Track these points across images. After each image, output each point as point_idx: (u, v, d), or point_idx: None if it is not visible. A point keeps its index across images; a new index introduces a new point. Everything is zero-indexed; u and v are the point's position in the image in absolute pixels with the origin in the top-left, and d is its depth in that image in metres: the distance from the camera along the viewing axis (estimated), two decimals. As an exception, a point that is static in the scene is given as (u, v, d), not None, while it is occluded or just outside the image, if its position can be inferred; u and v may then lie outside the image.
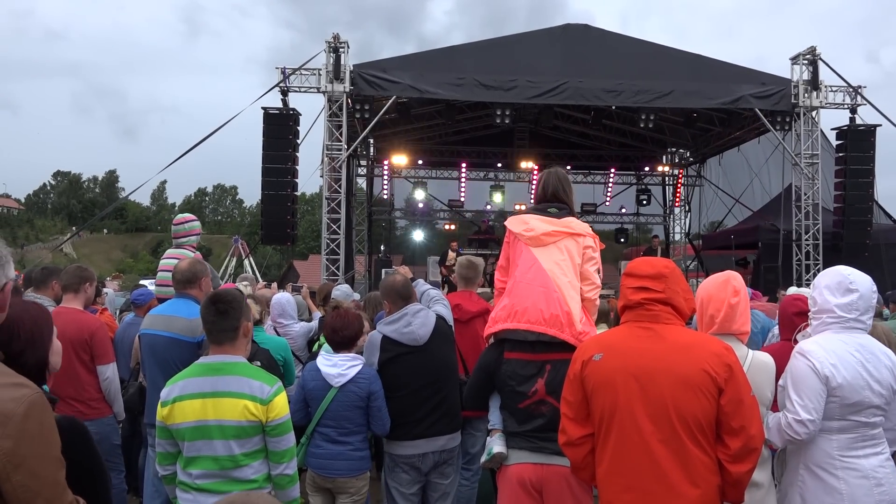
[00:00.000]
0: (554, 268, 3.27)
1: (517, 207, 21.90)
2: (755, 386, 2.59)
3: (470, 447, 4.91)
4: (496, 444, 3.38)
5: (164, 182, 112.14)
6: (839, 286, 2.89)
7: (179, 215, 5.31)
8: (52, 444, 1.74)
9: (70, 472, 1.83)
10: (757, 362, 2.84)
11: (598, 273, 3.44)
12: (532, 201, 20.09)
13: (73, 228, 75.05)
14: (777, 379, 2.94)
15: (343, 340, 4.00)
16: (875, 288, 2.94)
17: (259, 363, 3.47)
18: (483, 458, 3.48)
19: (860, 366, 2.79)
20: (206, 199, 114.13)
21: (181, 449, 2.90)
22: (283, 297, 5.72)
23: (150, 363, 4.27)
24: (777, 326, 5.49)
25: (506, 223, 3.59)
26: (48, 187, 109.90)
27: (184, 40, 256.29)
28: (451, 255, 16.32)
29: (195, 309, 4.27)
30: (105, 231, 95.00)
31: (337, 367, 3.93)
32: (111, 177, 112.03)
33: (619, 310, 2.65)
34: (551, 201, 3.57)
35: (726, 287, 2.92)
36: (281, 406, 2.90)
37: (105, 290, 6.92)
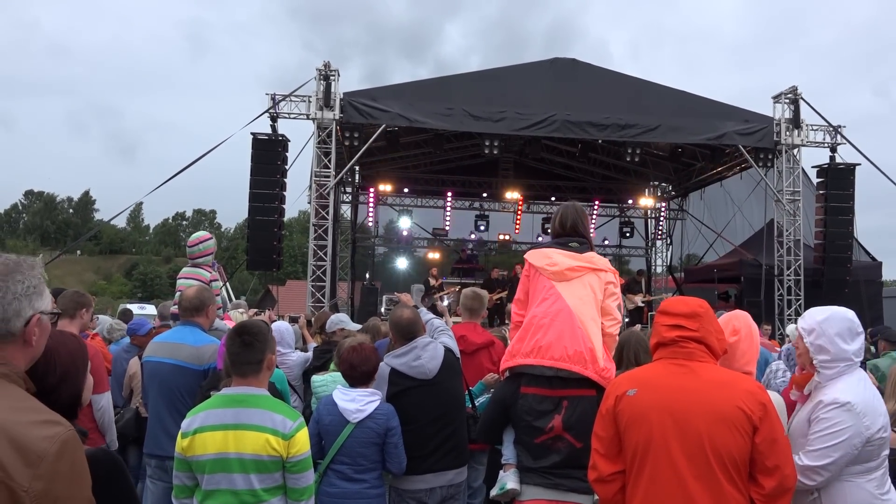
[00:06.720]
0: (578, 303, 3.26)
1: (501, 237, 22.07)
2: None
3: (472, 481, 4.85)
4: (510, 480, 3.34)
5: (141, 204, 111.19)
6: (850, 332, 2.80)
7: (193, 235, 5.38)
8: (83, 484, 1.64)
9: None
10: None
11: (620, 308, 3.44)
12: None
13: (49, 249, 73.88)
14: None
15: (361, 376, 3.89)
16: None
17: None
18: (494, 492, 3.44)
19: (878, 402, 2.77)
20: (185, 222, 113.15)
21: (199, 482, 2.83)
22: (282, 326, 5.66)
23: (153, 391, 4.18)
24: (777, 360, 5.57)
25: (525, 256, 3.57)
26: (20, 207, 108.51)
27: (189, 58, 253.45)
28: (433, 282, 16.27)
29: (201, 336, 4.22)
30: (78, 252, 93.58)
31: (355, 402, 3.79)
32: (86, 197, 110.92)
33: (651, 347, 2.65)
34: (570, 235, 3.57)
35: (726, 327, 2.90)
36: (302, 442, 2.84)
37: (97, 316, 6.78)
